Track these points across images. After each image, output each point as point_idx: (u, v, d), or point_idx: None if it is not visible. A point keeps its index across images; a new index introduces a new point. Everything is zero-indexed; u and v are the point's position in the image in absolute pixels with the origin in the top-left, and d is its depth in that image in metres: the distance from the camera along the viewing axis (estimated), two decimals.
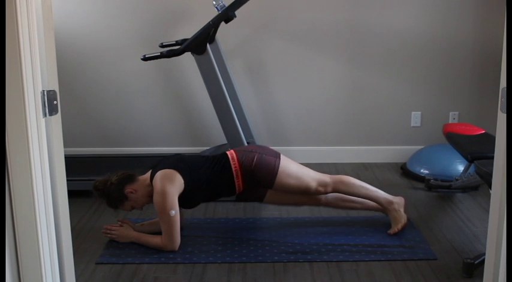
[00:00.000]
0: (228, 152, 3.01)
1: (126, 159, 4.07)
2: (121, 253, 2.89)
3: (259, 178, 2.95)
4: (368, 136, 4.40)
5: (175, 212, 2.79)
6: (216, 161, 2.98)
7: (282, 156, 3.01)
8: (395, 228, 3.02)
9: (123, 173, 2.95)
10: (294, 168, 3.00)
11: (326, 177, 3.03)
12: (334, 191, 3.04)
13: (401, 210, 3.06)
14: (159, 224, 2.90)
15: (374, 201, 3.09)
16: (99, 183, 2.93)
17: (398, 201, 3.08)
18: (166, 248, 2.86)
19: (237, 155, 2.97)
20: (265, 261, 2.79)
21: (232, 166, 2.94)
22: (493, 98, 3.89)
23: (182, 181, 2.85)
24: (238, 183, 2.94)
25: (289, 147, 4.39)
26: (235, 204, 3.52)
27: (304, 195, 3.07)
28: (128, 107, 4.35)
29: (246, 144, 3.65)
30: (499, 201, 1.73)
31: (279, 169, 2.95)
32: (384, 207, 3.08)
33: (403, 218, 3.05)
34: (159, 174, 2.85)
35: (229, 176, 2.93)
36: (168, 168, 2.87)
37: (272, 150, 3.05)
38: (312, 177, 3.00)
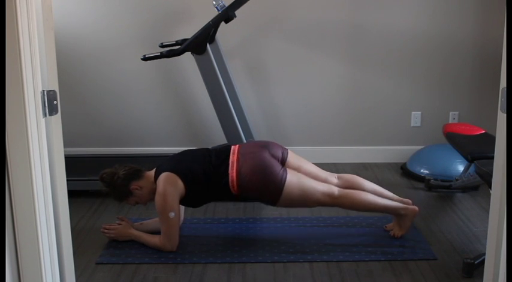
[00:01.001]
0: (229, 167, 2.83)
1: (126, 159, 4.04)
2: (121, 253, 2.89)
3: (257, 198, 2.91)
4: (368, 136, 4.40)
5: (174, 214, 2.80)
6: (216, 166, 2.88)
7: (287, 177, 2.81)
8: (396, 233, 3.00)
9: (130, 167, 2.95)
10: (297, 192, 2.82)
11: (327, 199, 2.87)
12: (338, 206, 2.96)
13: (408, 222, 2.97)
14: (158, 223, 2.90)
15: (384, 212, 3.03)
16: (106, 175, 2.92)
17: (409, 213, 2.95)
18: (164, 248, 2.86)
19: (237, 177, 2.80)
20: (265, 261, 2.79)
21: (231, 187, 2.83)
22: (493, 98, 3.89)
23: (183, 186, 2.84)
24: (236, 196, 2.89)
25: (289, 147, 4.33)
26: (235, 204, 3.52)
27: None
28: (128, 107, 4.35)
29: None
30: (499, 201, 1.73)
31: (280, 199, 2.83)
32: (393, 215, 3.05)
33: (405, 229, 2.98)
34: (163, 176, 2.85)
35: (226, 191, 2.86)
36: (171, 171, 2.85)
37: (277, 172, 2.80)
38: (314, 200, 2.86)
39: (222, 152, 2.95)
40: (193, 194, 2.89)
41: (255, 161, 2.83)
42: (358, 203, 2.90)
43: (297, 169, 2.94)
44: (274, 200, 2.85)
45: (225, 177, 2.83)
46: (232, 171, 2.82)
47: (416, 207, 2.99)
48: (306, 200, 2.86)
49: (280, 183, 2.80)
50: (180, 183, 2.84)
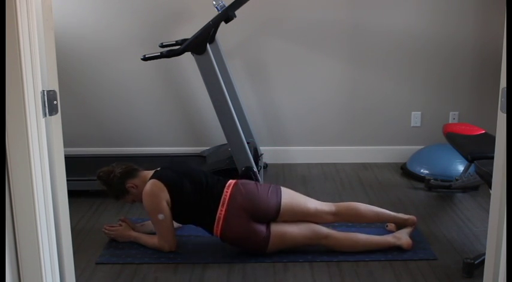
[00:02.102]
0: (215, 222, 2.78)
1: (126, 160, 4.02)
2: (121, 253, 2.89)
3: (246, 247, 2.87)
4: (368, 136, 4.40)
5: (163, 215, 2.79)
6: (204, 212, 2.82)
7: (271, 239, 2.76)
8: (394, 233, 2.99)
9: (127, 166, 2.96)
10: (282, 247, 2.81)
11: (323, 233, 2.83)
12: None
13: (407, 237, 2.91)
14: None
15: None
16: (103, 173, 2.95)
17: (408, 224, 2.98)
18: (163, 248, 2.87)
19: (221, 234, 2.78)
20: (265, 261, 2.79)
21: (214, 230, 2.80)
22: (493, 98, 3.89)
23: (169, 198, 2.81)
24: (216, 229, 2.81)
25: (289, 147, 4.39)
26: None
27: None
28: (128, 107, 4.35)
29: (246, 144, 3.64)
30: (499, 201, 1.73)
31: (268, 248, 2.80)
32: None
33: (408, 241, 2.88)
34: (152, 181, 2.84)
35: (211, 228, 2.83)
36: (162, 180, 2.83)
37: (260, 241, 2.77)
38: (307, 238, 2.82)
39: (215, 191, 2.84)
40: (178, 207, 2.84)
41: (239, 229, 2.77)
42: (345, 244, 2.84)
43: (291, 211, 2.84)
44: (260, 254, 2.83)
45: (211, 225, 2.79)
46: (217, 228, 2.78)
47: (414, 217, 3.00)
48: (295, 245, 2.83)
49: (262, 248, 2.79)
50: (166, 195, 2.81)
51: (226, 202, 2.79)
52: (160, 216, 2.79)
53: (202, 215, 2.82)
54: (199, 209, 2.82)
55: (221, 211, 2.78)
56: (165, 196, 2.81)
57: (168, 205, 2.82)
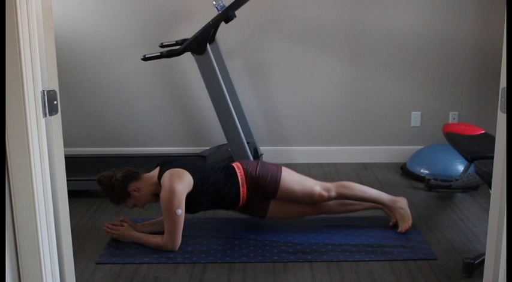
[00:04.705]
0: (233, 164, 3.07)
1: (126, 159, 4.07)
2: (121, 253, 2.89)
3: (263, 185, 2.97)
4: (368, 136, 4.40)
5: (181, 211, 2.79)
6: (223, 169, 3.03)
7: (282, 171, 3.05)
8: (406, 226, 3.03)
9: (128, 170, 2.95)
10: (296, 175, 3.07)
11: (328, 183, 3.09)
12: (338, 195, 3.03)
13: (407, 208, 3.08)
14: (161, 224, 2.90)
15: (378, 203, 3.10)
16: (103, 177, 2.92)
17: (401, 200, 3.10)
18: (166, 247, 2.86)
19: (242, 165, 3.03)
20: (265, 261, 2.79)
21: (238, 174, 2.98)
22: (493, 98, 3.89)
23: (192, 180, 2.85)
24: (243, 192, 2.96)
25: (289, 147, 4.39)
26: None
27: (308, 202, 3.06)
28: (128, 107, 4.35)
29: (246, 144, 3.65)
30: (499, 201, 1.73)
31: (282, 174, 3.00)
32: (388, 207, 3.08)
33: (410, 216, 3.07)
34: (169, 172, 2.85)
35: (235, 184, 2.96)
36: (179, 168, 2.88)
37: (274, 168, 3.07)
38: (315, 182, 3.06)
39: (223, 165, 3.12)
40: (201, 187, 2.89)
41: (255, 162, 3.09)
42: (355, 191, 3.07)
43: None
44: (275, 186, 2.98)
45: (234, 176, 2.97)
46: (240, 171, 2.98)
47: (404, 198, 3.15)
48: (306, 186, 3.02)
49: (277, 166, 3.04)
50: (188, 177, 2.85)
51: (239, 163, 3.07)
52: (179, 211, 2.78)
53: (225, 192, 2.95)
54: (221, 187, 2.95)
55: (236, 163, 3.08)
56: (187, 183, 2.84)
57: (187, 192, 2.85)
